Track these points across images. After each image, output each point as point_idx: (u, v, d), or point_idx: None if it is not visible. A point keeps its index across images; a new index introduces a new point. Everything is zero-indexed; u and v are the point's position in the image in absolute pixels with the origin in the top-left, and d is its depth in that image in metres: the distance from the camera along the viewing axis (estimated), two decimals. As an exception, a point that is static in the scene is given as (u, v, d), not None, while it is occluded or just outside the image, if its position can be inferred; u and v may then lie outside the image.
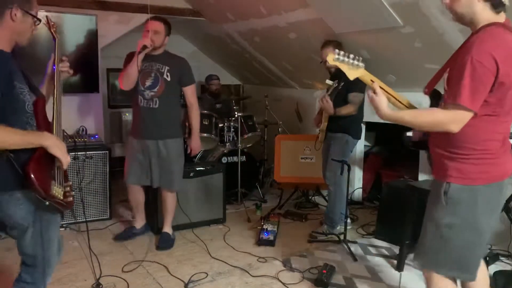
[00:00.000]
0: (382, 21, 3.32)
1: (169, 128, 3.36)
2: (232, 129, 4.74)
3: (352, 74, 1.87)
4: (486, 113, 1.72)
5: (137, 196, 3.56)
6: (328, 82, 3.54)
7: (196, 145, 3.55)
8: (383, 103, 1.81)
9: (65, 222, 3.84)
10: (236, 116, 4.66)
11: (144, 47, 3.13)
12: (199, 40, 6.28)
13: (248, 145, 4.87)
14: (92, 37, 4.24)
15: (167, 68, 3.29)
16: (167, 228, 3.55)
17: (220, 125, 4.74)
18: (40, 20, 1.89)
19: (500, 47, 1.67)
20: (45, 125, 1.87)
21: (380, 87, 1.86)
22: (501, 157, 1.80)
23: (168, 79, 3.29)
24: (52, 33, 2.14)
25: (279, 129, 5.18)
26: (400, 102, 1.92)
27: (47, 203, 1.73)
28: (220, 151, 4.62)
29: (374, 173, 4.85)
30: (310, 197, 4.73)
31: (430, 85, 1.94)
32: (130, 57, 3.26)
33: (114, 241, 3.56)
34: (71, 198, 1.91)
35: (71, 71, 2.16)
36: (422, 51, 3.42)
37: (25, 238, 1.81)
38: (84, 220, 3.68)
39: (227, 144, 4.74)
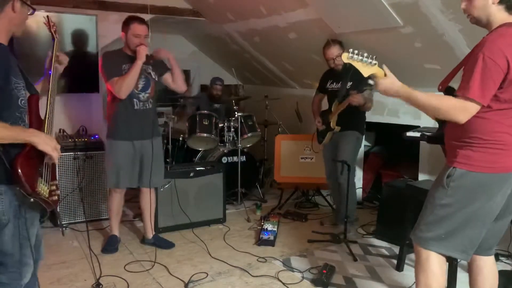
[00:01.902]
0: (382, 21, 3.32)
1: (157, 126, 3.46)
2: (232, 129, 4.74)
3: (366, 71, 1.93)
4: (500, 107, 1.80)
5: (122, 201, 3.43)
6: (371, 81, 3.49)
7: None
8: (396, 81, 1.88)
9: (65, 222, 3.85)
10: (236, 116, 4.66)
11: (148, 56, 3.10)
12: (199, 40, 6.29)
13: (248, 145, 4.87)
14: (92, 37, 4.24)
15: (150, 67, 3.26)
16: (152, 231, 3.53)
17: (220, 125, 4.74)
18: (34, 9, 1.91)
19: (511, 45, 1.73)
20: (37, 122, 1.86)
21: None
22: None
23: (156, 78, 3.31)
24: (52, 33, 2.16)
25: (279, 129, 5.18)
26: None
27: (32, 199, 1.71)
28: (220, 151, 4.62)
29: (374, 173, 4.84)
30: (310, 197, 4.73)
31: (444, 83, 2.00)
32: (110, 58, 3.18)
33: (102, 253, 3.32)
34: (56, 197, 1.88)
35: (65, 61, 2.16)
36: (422, 51, 3.42)
37: (3, 235, 1.75)
38: (84, 220, 3.68)
39: (227, 144, 4.73)
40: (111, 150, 3.27)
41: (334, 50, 3.65)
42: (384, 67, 1.92)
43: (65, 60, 2.16)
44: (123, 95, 3.09)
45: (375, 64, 1.91)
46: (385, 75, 1.91)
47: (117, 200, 3.38)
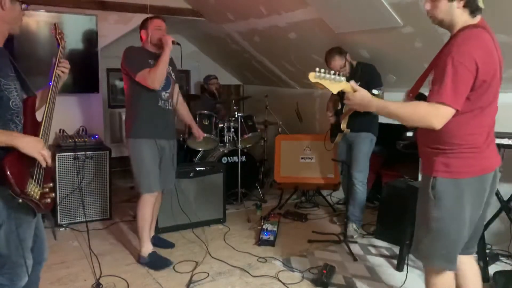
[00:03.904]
0: (382, 21, 3.32)
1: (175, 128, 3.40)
2: (232, 129, 4.74)
3: (334, 88, 1.92)
4: (469, 109, 1.79)
5: (154, 207, 3.22)
6: (375, 91, 3.48)
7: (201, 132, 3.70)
8: (367, 95, 1.88)
9: (65, 222, 3.85)
10: (236, 116, 4.66)
11: (173, 42, 3.06)
12: (199, 40, 6.29)
13: (248, 145, 4.87)
14: (92, 37, 4.24)
15: (170, 67, 3.23)
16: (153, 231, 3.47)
17: (220, 125, 4.74)
18: (28, 4, 1.88)
19: (479, 47, 1.74)
20: (32, 125, 1.83)
21: None
22: (486, 151, 1.86)
23: (174, 79, 3.28)
24: (57, 39, 2.12)
25: (279, 129, 5.18)
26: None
27: (20, 200, 1.67)
28: (220, 151, 4.62)
29: (374, 173, 4.84)
30: (310, 197, 4.73)
31: (414, 90, 1.99)
32: (136, 51, 3.11)
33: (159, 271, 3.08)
34: (49, 200, 1.83)
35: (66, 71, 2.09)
36: (422, 51, 3.42)
37: None
38: (84, 220, 3.68)
39: (227, 144, 4.74)
40: (138, 151, 3.08)
41: (336, 62, 3.58)
42: (352, 82, 1.91)
43: (66, 70, 2.07)
44: (157, 85, 3.00)
45: (343, 80, 1.90)
46: (354, 90, 1.90)
47: (151, 206, 3.15)
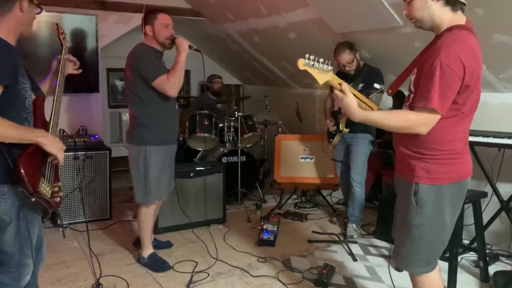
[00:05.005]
0: (382, 21, 3.32)
1: None
2: (232, 129, 4.75)
3: (321, 78, 1.88)
4: (451, 114, 1.76)
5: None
6: (376, 85, 3.48)
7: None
8: (353, 103, 1.83)
9: (65, 222, 3.85)
10: (236, 116, 4.66)
11: (191, 47, 2.90)
12: (199, 40, 6.28)
13: (248, 145, 4.87)
14: (92, 37, 4.24)
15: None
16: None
17: (220, 125, 4.74)
18: (41, 9, 1.91)
19: (466, 49, 1.70)
20: (41, 124, 1.86)
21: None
22: (464, 156, 1.86)
23: None
24: (60, 40, 2.17)
25: (279, 129, 5.18)
26: (369, 106, 1.93)
27: (33, 199, 1.70)
28: (220, 151, 4.62)
29: (374, 173, 4.84)
30: (310, 197, 4.73)
31: (394, 87, 1.96)
32: (150, 55, 2.90)
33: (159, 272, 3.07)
34: (59, 199, 1.88)
35: (78, 70, 2.22)
36: (422, 51, 3.42)
37: (5, 235, 1.75)
38: (84, 220, 3.69)
39: (227, 144, 4.74)
40: (157, 159, 2.95)
41: (344, 56, 3.55)
42: (345, 85, 1.84)
43: (73, 63, 2.18)
44: (175, 92, 2.85)
45: (331, 70, 1.86)
46: (340, 84, 1.85)
47: (153, 214, 3.13)
